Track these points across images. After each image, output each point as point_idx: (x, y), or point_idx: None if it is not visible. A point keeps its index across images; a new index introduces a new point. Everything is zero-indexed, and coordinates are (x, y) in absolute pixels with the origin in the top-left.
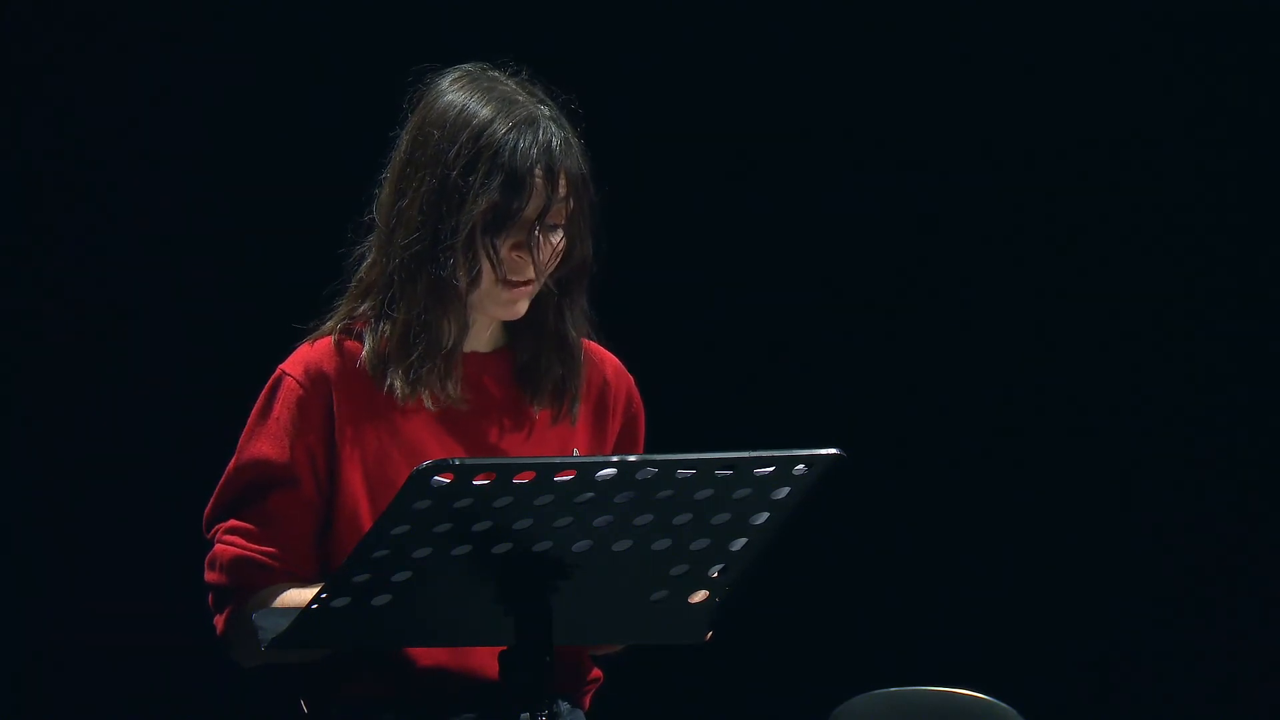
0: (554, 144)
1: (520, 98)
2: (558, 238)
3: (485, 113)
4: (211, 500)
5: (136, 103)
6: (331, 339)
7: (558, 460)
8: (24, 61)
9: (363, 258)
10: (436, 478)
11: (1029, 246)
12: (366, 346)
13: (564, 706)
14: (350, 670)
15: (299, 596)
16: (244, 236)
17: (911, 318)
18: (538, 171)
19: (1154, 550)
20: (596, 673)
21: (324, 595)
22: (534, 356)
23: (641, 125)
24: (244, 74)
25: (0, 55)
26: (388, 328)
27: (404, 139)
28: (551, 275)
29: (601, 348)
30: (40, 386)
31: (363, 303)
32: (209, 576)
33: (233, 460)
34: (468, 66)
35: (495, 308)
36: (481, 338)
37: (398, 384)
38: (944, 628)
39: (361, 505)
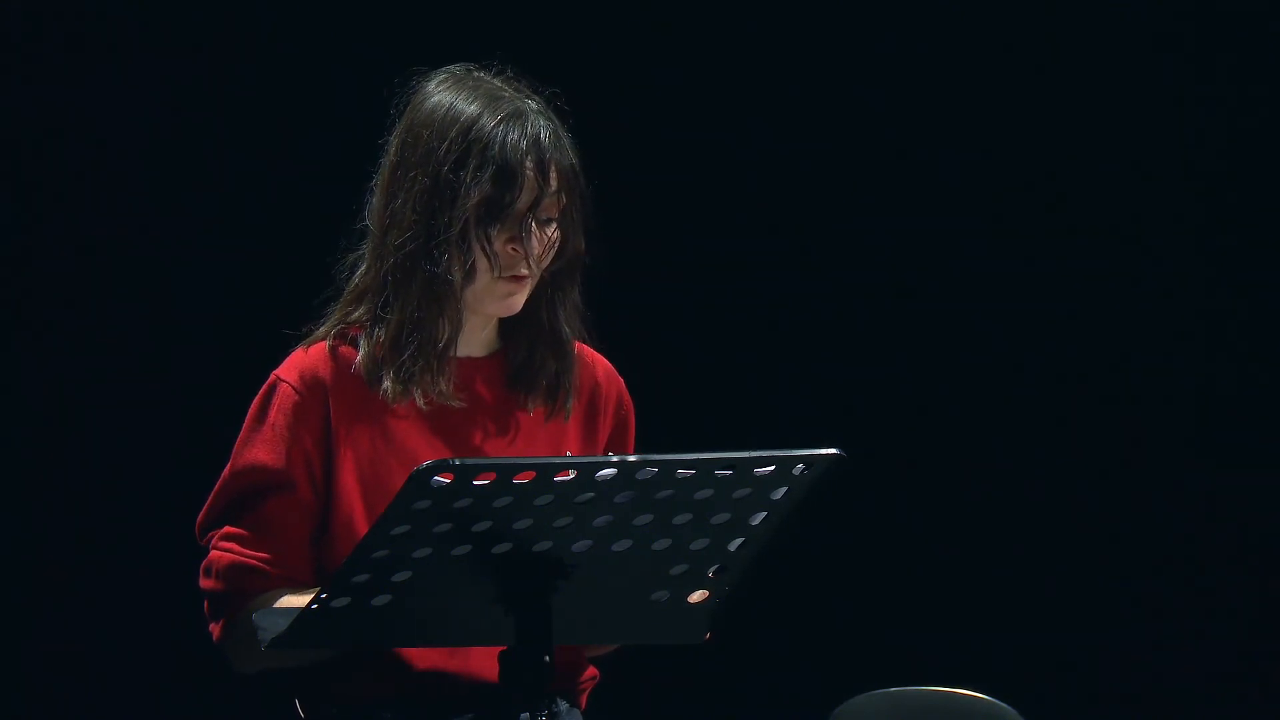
0: (543, 137)
1: (506, 94)
2: (551, 230)
3: (473, 109)
4: (205, 506)
5: (132, 106)
6: (326, 344)
7: (558, 460)
8: (22, 60)
9: (355, 265)
10: (436, 478)
11: (1029, 245)
12: (361, 351)
13: (562, 706)
14: (349, 671)
15: (296, 601)
16: (239, 241)
17: (911, 317)
18: (528, 163)
19: (1155, 550)
20: (592, 671)
21: (324, 595)
22: (528, 354)
23: (638, 123)
24: (241, 75)
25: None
26: (382, 331)
27: (393, 142)
28: (545, 269)
29: (593, 350)
30: (35, 391)
31: (357, 308)
32: (205, 583)
33: (227, 466)
34: (453, 68)
35: (492, 303)
36: (475, 341)
37: (389, 385)
38: (944, 628)
39: (356, 509)
